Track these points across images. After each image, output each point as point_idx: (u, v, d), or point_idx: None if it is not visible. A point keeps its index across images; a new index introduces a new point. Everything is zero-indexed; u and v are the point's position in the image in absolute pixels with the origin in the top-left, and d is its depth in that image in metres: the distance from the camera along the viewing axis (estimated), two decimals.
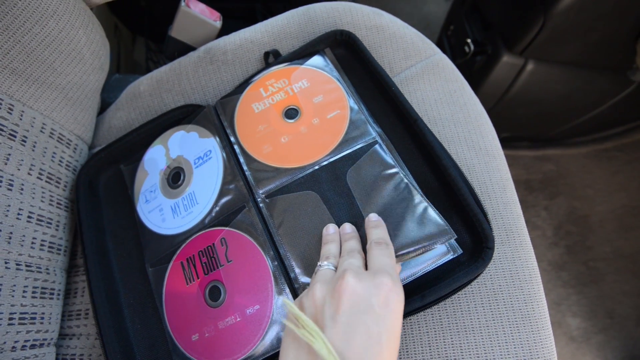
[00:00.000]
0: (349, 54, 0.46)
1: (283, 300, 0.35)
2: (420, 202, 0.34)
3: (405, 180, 0.36)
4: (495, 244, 0.34)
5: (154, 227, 0.42)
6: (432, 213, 0.34)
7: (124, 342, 0.39)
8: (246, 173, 0.40)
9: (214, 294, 0.37)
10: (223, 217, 0.39)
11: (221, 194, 0.40)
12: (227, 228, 0.39)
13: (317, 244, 0.35)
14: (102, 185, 0.48)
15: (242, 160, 0.41)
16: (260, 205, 0.39)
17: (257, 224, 0.38)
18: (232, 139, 0.43)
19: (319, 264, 0.31)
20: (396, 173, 0.36)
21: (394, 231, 0.34)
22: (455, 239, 0.33)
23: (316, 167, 0.39)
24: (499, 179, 0.40)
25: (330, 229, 0.35)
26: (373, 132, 0.39)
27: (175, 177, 0.43)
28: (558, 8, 0.57)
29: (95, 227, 0.44)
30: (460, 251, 0.34)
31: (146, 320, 0.40)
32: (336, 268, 0.30)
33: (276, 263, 0.36)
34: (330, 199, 0.37)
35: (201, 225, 0.40)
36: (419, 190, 0.36)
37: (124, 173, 0.46)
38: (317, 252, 0.35)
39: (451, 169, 0.36)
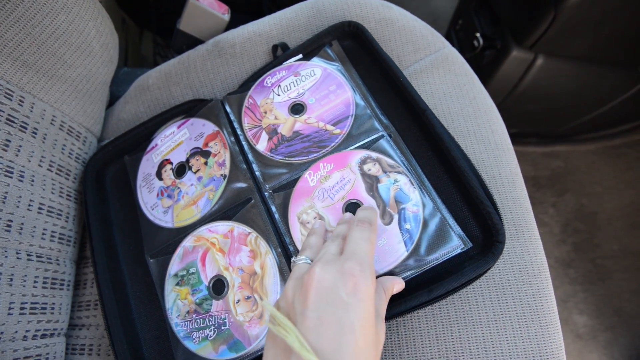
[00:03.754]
0: (357, 46, 0.45)
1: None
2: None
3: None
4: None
5: (154, 219, 0.42)
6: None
7: (130, 334, 0.39)
8: (253, 167, 0.41)
9: (218, 287, 0.37)
10: (227, 209, 0.40)
11: (227, 187, 0.40)
12: (231, 221, 0.39)
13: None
14: (109, 178, 0.48)
15: (249, 154, 0.41)
16: (267, 199, 0.39)
17: (264, 216, 0.38)
18: (239, 133, 0.43)
19: (292, 259, 0.31)
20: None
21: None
22: (465, 232, 0.33)
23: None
24: (509, 173, 0.39)
25: (317, 223, 0.35)
26: (379, 126, 0.39)
27: (180, 170, 0.43)
28: (569, 2, 0.56)
29: (102, 219, 0.44)
30: (470, 244, 0.34)
31: (152, 312, 0.40)
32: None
33: (282, 256, 0.36)
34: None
35: (204, 217, 0.40)
36: (431, 192, 0.36)
37: (127, 164, 0.47)
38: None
39: (461, 161, 0.35)
